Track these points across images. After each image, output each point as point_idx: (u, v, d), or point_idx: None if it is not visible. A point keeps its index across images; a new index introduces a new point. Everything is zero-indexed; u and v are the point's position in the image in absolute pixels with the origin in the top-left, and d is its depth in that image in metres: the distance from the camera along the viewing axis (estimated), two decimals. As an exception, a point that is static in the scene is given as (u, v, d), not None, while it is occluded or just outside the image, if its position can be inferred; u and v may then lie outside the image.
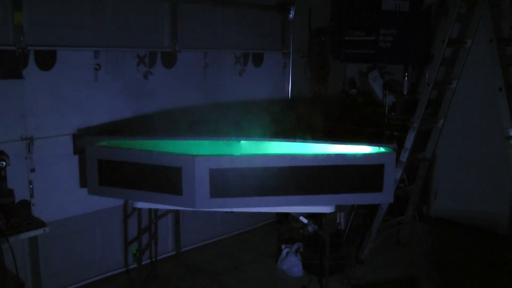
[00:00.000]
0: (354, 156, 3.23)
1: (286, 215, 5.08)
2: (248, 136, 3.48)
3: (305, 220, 3.60)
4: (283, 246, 4.45)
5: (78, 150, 3.70)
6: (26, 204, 3.50)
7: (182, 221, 4.61)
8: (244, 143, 3.46)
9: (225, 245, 4.90)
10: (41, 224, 3.16)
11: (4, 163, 3.09)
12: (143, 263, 4.00)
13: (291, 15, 5.20)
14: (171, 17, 4.20)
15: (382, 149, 3.33)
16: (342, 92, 5.97)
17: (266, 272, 4.34)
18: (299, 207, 3.31)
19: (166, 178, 3.07)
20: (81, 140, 3.61)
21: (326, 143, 3.37)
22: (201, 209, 3.13)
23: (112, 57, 3.86)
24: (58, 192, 3.69)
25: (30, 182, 3.51)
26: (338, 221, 4.99)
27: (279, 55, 5.23)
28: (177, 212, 4.50)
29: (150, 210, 3.94)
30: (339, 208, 4.86)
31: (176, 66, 4.29)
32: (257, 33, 4.99)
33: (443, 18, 4.97)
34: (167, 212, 4.21)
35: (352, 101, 5.71)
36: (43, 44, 3.47)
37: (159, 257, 4.36)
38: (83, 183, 3.69)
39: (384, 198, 3.28)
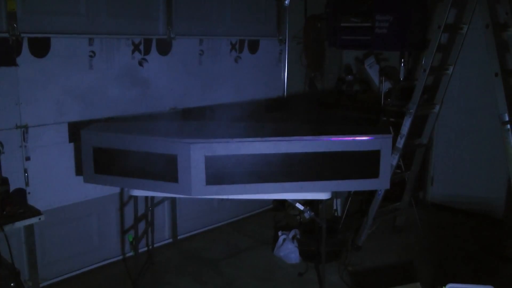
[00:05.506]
0: (350, 142, 3.22)
1: (283, 201, 5.09)
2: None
3: (301, 207, 3.60)
4: (279, 233, 4.45)
5: (74, 138, 3.69)
6: (21, 193, 3.48)
7: (179, 208, 4.61)
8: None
9: (222, 232, 4.91)
10: (36, 212, 3.17)
11: (-1, 152, 3.09)
12: (140, 251, 4.01)
13: (286, 2, 5.17)
14: (166, 3, 4.16)
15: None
16: (339, 78, 5.95)
17: (262, 259, 4.35)
18: (296, 194, 3.31)
19: (162, 166, 3.06)
20: (76, 127, 3.60)
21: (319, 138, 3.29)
22: (197, 197, 3.13)
23: (107, 44, 3.83)
24: (54, 180, 3.67)
25: (25, 171, 3.49)
26: (334, 207, 5.01)
27: (275, 42, 5.20)
28: (173, 200, 4.50)
29: (146, 197, 3.94)
30: (335, 194, 4.87)
31: (171, 53, 4.26)
32: (253, 20, 4.96)
33: (439, 3, 4.94)
34: (163, 199, 4.21)
35: (348, 88, 5.69)
36: (37, 31, 3.44)
37: (155, 245, 4.36)
38: (79, 171, 3.68)
39: (380, 184, 3.28)
